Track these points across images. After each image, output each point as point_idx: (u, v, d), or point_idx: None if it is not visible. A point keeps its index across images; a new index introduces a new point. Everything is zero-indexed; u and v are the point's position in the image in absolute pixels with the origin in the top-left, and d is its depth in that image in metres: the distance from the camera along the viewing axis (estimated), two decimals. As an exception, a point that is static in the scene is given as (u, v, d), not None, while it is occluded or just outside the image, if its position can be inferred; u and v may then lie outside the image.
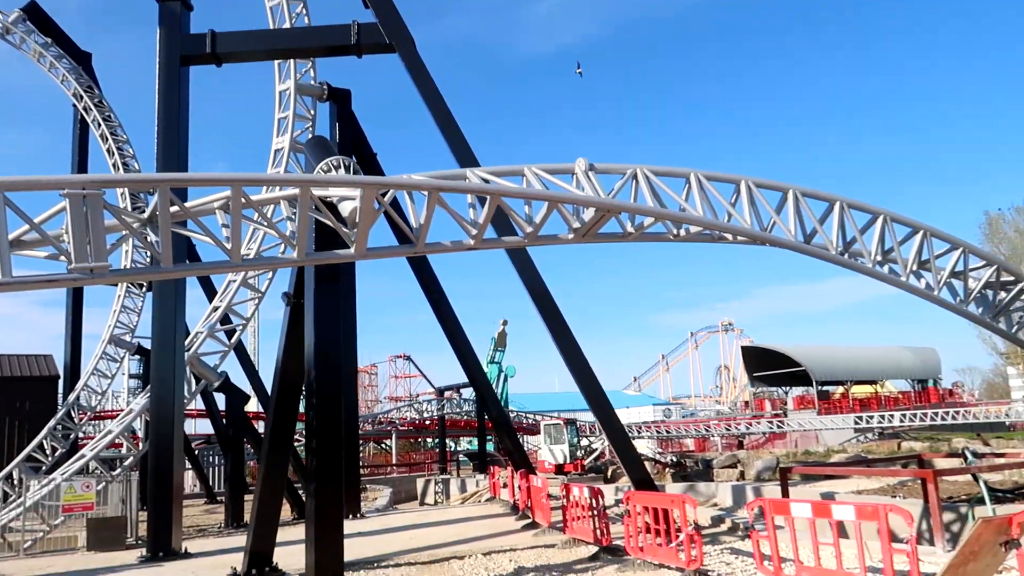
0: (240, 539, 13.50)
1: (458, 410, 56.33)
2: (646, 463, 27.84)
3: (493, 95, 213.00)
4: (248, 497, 20.37)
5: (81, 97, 34.69)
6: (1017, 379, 61.97)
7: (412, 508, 29.58)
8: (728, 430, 60.01)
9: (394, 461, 54.73)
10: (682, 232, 12.01)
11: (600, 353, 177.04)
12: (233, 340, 22.88)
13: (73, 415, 32.48)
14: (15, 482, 25.51)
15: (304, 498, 14.29)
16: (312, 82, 24.17)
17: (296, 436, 20.97)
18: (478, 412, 41.74)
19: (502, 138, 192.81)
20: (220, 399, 24.99)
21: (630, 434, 47.12)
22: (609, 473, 35.52)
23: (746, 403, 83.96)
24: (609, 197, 11.00)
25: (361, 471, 39.20)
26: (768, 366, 71.29)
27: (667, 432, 59.91)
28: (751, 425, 59.66)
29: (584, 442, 42.96)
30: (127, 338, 32.96)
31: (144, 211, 8.63)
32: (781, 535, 9.78)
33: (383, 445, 60.45)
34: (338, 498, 11.01)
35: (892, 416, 53.54)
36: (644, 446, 53.05)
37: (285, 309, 12.12)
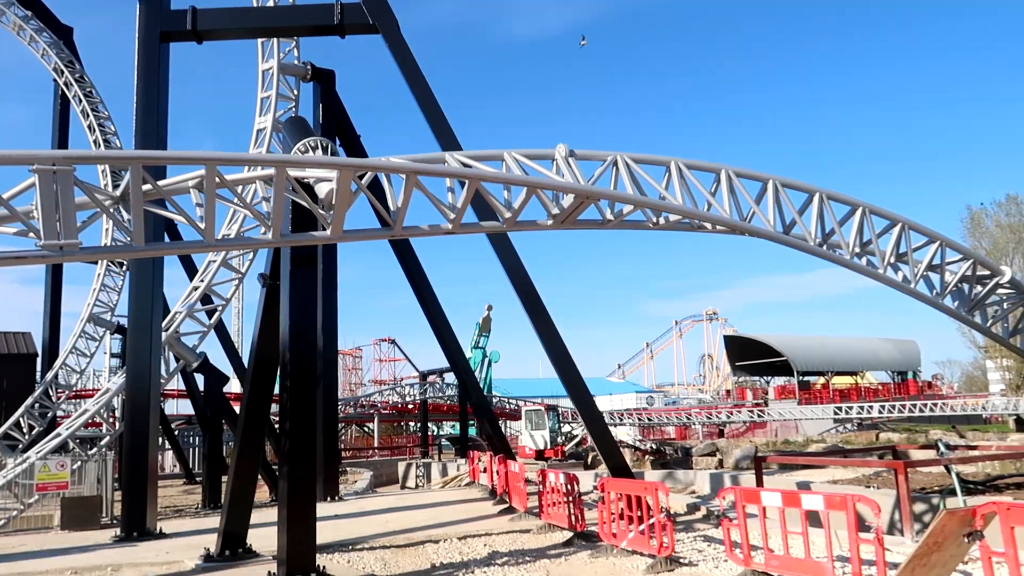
0: (216, 520, 13.44)
1: (441, 394, 56.38)
2: (625, 450, 28.04)
3: (479, 79, 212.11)
4: (226, 478, 20.30)
5: (62, 72, 34.25)
6: (995, 373, 62.66)
7: (392, 491, 29.58)
8: (709, 419, 60.44)
9: (376, 444, 54.82)
10: (661, 220, 12.01)
11: (585, 340, 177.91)
12: (213, 320, 22.69)
13: (51, 393, 32.30)
14: (-9, 460, 25.31)
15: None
16: (296, 62, 23.90)
17: (275, 417, 20.92)
18: (460, 397, 41.80)
19: (487, 122, 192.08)
20: (201, 380, 24.89)
21: (612, 421, 47.61)
22: (589, 459, 35.66)
23: (728, 392, 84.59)
24: (589, 184, 10.97)
25: (342, 454, 39.30)
26: (750, 356, 71.76)
27: (649, 420, 60.25)
28: (732, 414, 60.11)
29: (565, 428, 43.13)
30: (107, 316, 32.69)
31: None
32: (752, 523, 9.85)
33: (365, 428, 60.52)
34: (311, 480, 10.95)
35: (871, 407, 53.99)
36: (625, 433, 53.33)
37: (261, 290, 12.02)
